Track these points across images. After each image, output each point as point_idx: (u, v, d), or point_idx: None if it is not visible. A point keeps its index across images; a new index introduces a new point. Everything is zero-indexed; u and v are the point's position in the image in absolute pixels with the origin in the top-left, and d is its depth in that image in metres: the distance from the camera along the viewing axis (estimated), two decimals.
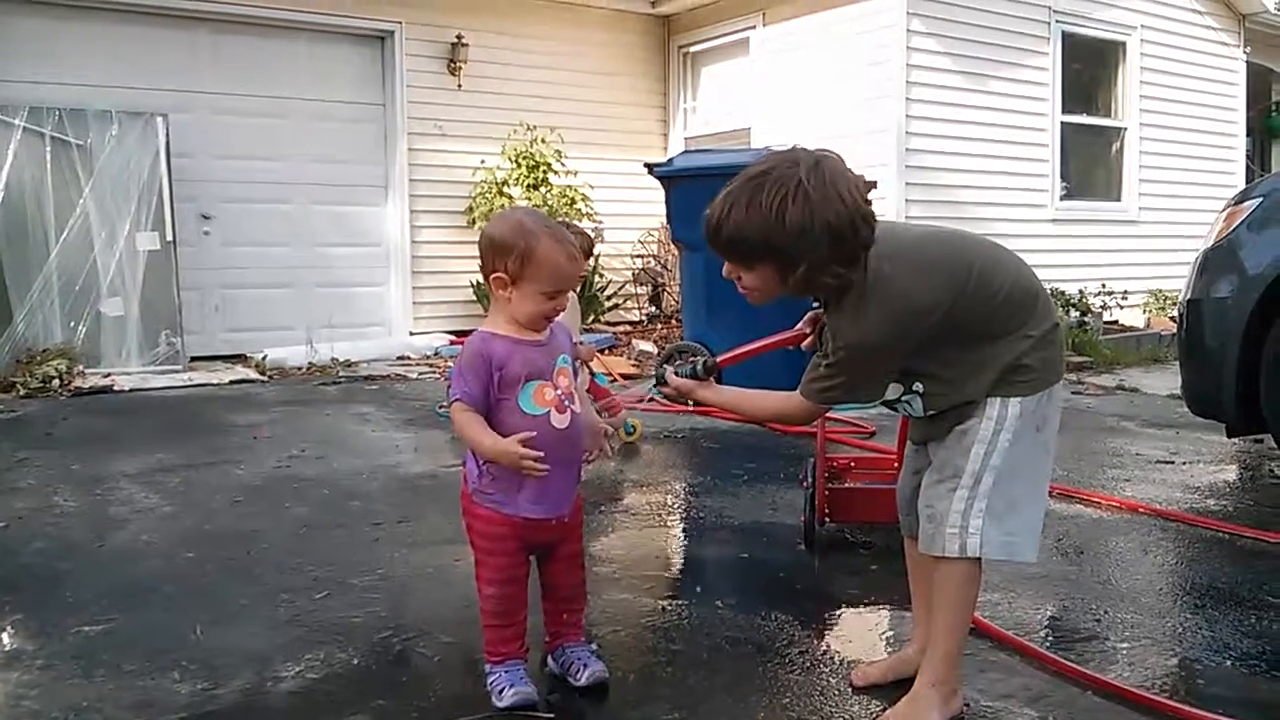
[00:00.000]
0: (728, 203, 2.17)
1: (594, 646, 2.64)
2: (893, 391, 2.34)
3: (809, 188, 2.09)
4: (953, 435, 2.29)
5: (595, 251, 9.97)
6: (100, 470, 4.99)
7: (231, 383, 8.06)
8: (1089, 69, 11.11)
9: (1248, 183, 7.02)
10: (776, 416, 2.48)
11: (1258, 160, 14.08)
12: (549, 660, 2.60)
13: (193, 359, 8.69)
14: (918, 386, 2.31)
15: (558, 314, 2.42)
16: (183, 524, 4.11)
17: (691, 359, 2.58)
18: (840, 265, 2.14)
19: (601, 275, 10.33)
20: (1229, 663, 2.71)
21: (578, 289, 5.11)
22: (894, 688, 2.48)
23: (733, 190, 2.18)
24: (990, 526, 2.24)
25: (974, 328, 2.23)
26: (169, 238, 8.45)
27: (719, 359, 2.58)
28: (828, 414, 2.75)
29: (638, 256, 10.87)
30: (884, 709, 2.38)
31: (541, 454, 2.27)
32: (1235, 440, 5.32)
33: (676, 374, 2.54)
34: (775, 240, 2.12)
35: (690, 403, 2.51)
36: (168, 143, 8.43)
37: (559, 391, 2.40)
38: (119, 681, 2.60)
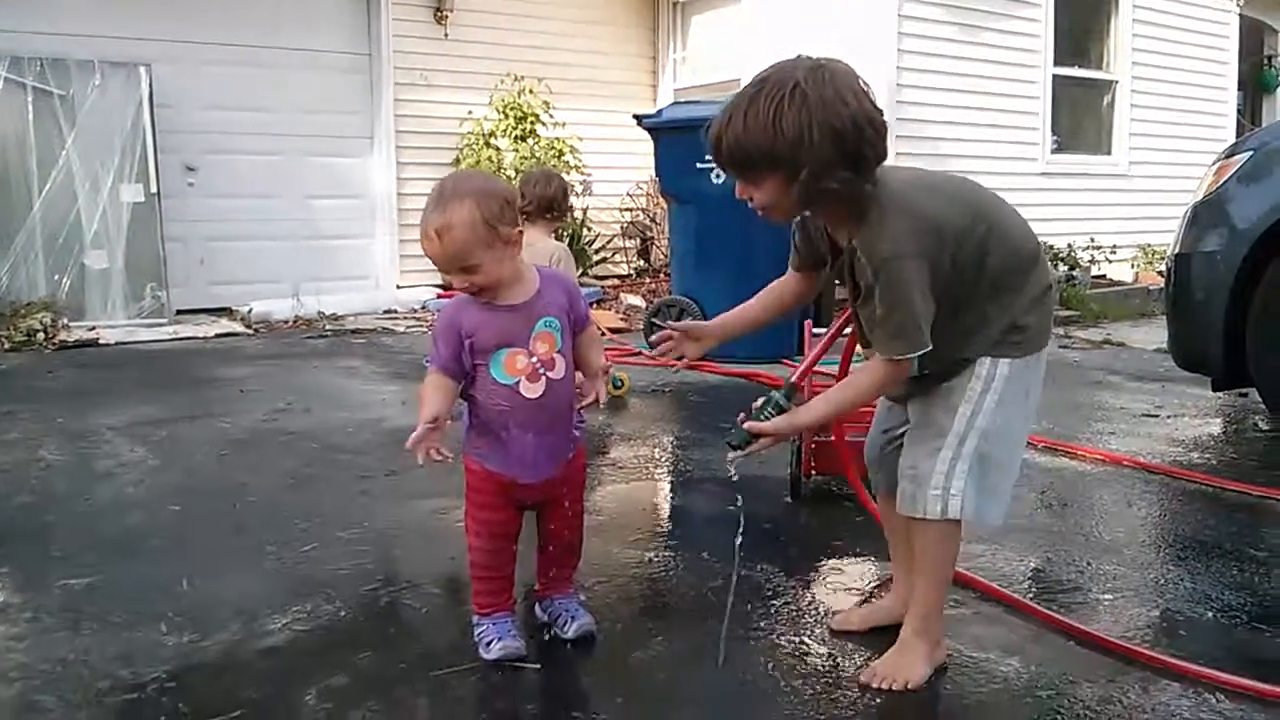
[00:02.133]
0: (726, 115, 2.11)
1: (581, 598, 2.65)
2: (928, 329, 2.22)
3: (806, 89, 2.02)
4: (939, 393, 2.26)
5: (584, 204, 10.02)
6: (86, 424, 4.97)
7: (217, 336, 8.03)
8: (1081, 21, 11.03)
9: (1238, 137, 7.00)
10: (877, 392, 2.30)
11: (1248, 115, 14.02)
12: (537, 608, 2.62)
13: (178, 312, 8.64)
14: None
15: (477, 289, 2.30)
16: (169, 477, 4.10)
17: (760, 403, 2.30)
18: (847, 169, 2.05)
19: (590, 228, 10.29)
20: (1210, 614, 2.74)
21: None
22: (876, 637, 2.50)
23: (732, 102, 2.12)
24: (970, 488, 2.23)
25: (983, 277, 2.19)
26: (153, 189, 8.37)
27: (793, 379, 2.43)
28: (813, 369, 2.71)
29: (626, 209, 10.81)
30: (869, 658, 2.40)
31: (424, 443, 2.26)
32: (1221, 394, 5.34)
33: (757, 419, 2.29)
34: (776, 148, 2.04)
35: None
36: (151, 93, 8.32)
37: (534, 359, 2.35)
38: (105, 634, 2.60)
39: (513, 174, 9.37)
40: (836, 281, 2.34)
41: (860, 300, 2.24)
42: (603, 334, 7.32)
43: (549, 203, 4.78)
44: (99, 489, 3.95)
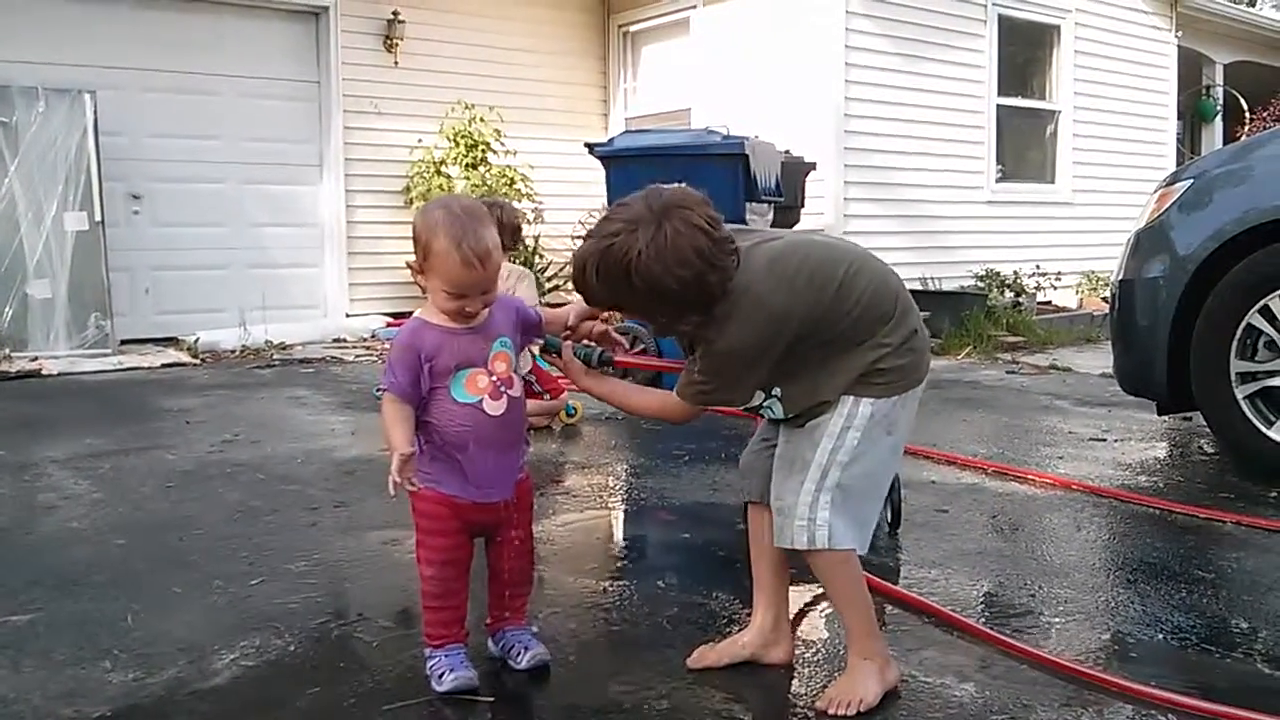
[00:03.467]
0: (581, 261, 2.23)
1: (535, 629, 2.62)
2: (756, 398, 2.38)
3: (649, 257, 2.13)
4: (805, 429, 2.34)
5: (535, 232, 10.01)
6: (28, 456, 4.87)
7: (163, 366, 7.91)
8: (1024, 52, 11.24)
9: (1178, 165, 7.15)
10: (656, 414, 2.55)
11: (1188, 143, 14.36)
12: (490, 643, 2.58)
13: (123, 342, 8.51)
14: (776, 391, 2.36)
15: (472, 315, 2.34)
16: (113, 510, 4.02)
17: (592, 345, 2.56)
18: (695, 313, 2.23)
19: (542, 256, 10.27)
20: (1160, 636, 2.76)
21: (512, 286, 5.09)
22: (833, 661, 2.49)
23: (586, 247, 2.23)
24: (835, 517, 2.29)
25: (831, 336, 2.28)
26: (98, 218, 8.25)
27: (617, 358, 2.59)
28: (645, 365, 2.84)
29: (578, 238, 10.78)
30: (825, 685, 2.40)
31: (410, 473, 2.25)
32: (1166, 418, 5.42)
33: (575, 354, 2.52)
34: (628, 303, 2.26)
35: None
36: (96, 120, 8.22)
37: (494, 378, 2.37)
38: (48, 671, 2.54)
39: None
40: None
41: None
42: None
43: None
44: (41, 523, 3.86)
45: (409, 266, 2.37)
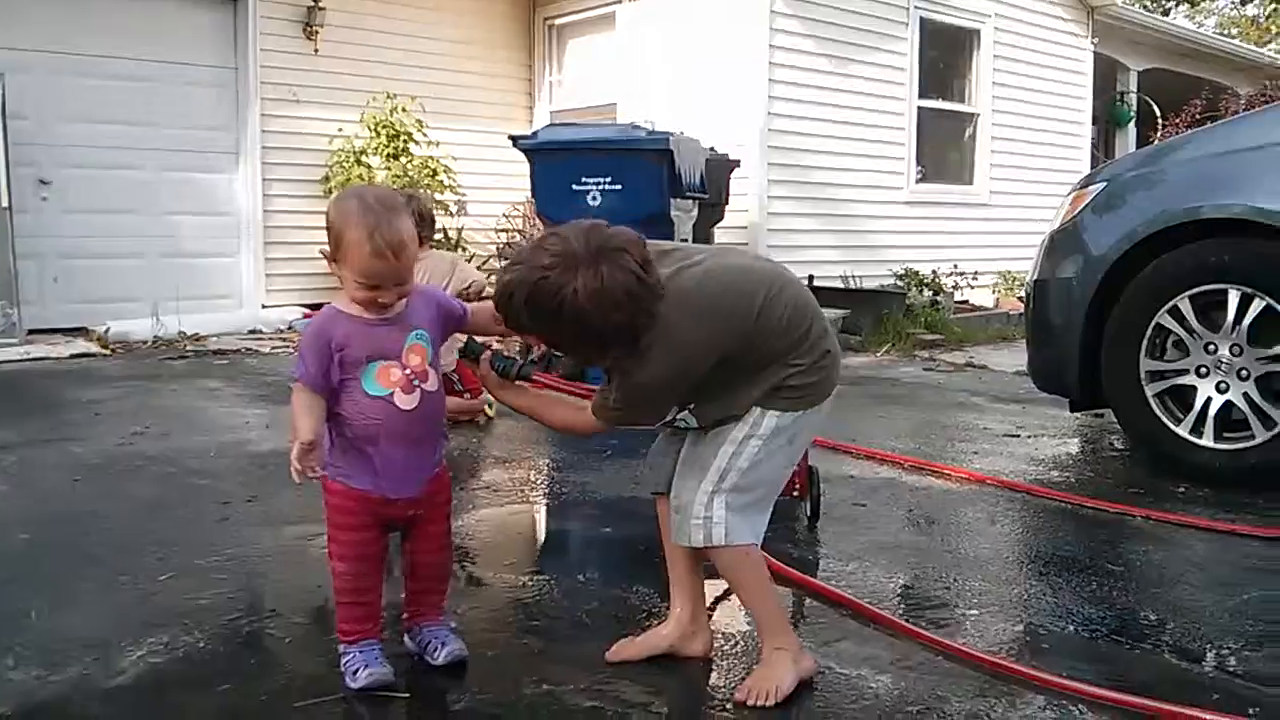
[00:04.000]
0: (509, 288, 2.21)
1: (452, 625, 2.59)
2: (670, 414, 2.44)
3: (582, 299, 2.13)
4: (709, 434, 2.39)
5: (459, 225, 9.93)
6: None
7: (72, 356, 7.68)
8: (945, 56, 11.41)
9: (1093, 168, 7.30)
10: (566, 428, 2.57)
11: (1102, 147, 14.68)
12: (406, 639, 2.54)
13: (30, 331, 8.24)
14: (690, 407, 2.41)
15: (386, 306, 2.30)
16: (18, 504, 3.90)
17: (513, 357, 2.52)
18: (619, 350, 2.24)
19: (465, 249, 10.19)
20: (1072, 627, 2.81)
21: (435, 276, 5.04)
22: (743, 662, 2.50)
23: (517, 274, 2.19)
24: (730, 515, 2.34)
25: (748, 361, 2.31)
26: (4, 203, 7.98)
27: (536, 376, 2.57)
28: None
29: (502, 230, 10.74)
30: (744, 677, 2.40)
31: (310, 462, 2.21)
32: (1078, 415, 5.53)
33: (492, 364, 2.48)
34: (550, 336, 2.28)
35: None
36: (3, 103, 7.95)
37: (407, 371, 2.33)
38: None
39: None
40: None
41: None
42: None
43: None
44: None
45: (322, 254, 2.33)
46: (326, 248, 2.30)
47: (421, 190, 5.12)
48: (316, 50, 9.78)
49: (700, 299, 2.27)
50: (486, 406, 5.43)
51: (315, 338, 2.30)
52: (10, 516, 3.73)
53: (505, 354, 2.51)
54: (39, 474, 4.33)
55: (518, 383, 2.51)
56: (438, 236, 5.71)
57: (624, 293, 2.14)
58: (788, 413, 2.35)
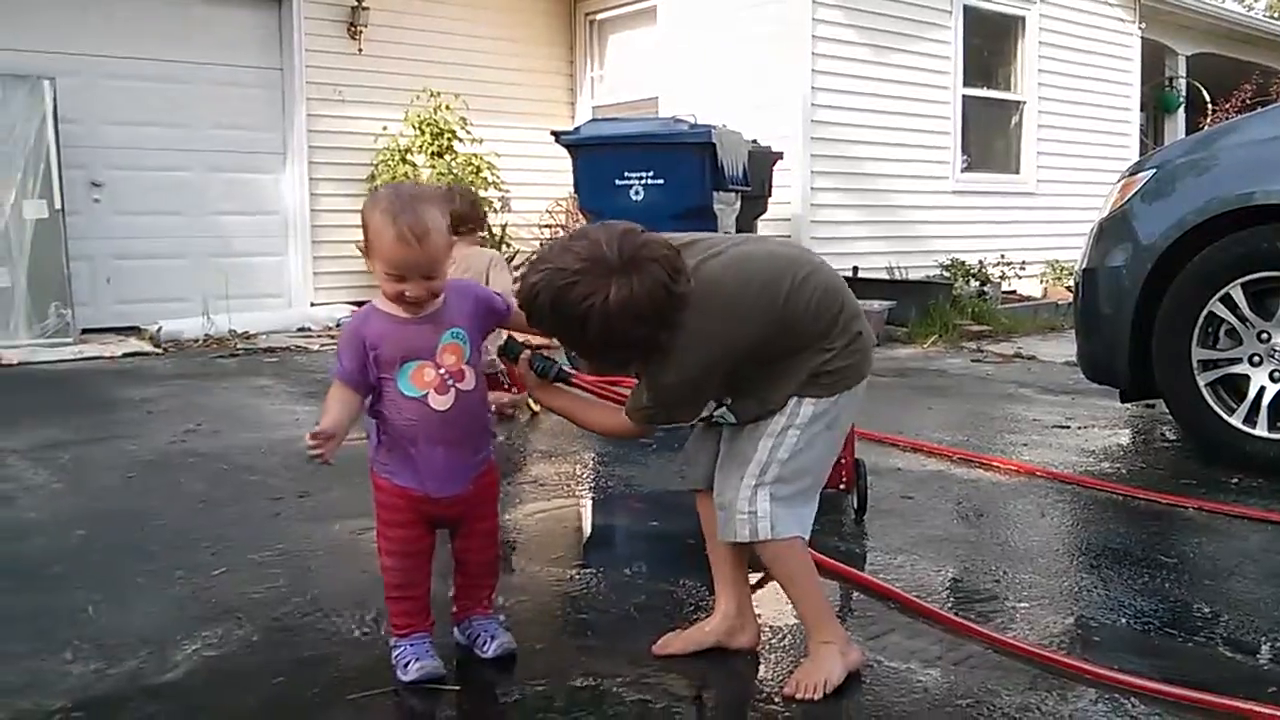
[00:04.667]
0: (535, 289, 2.17)
1: (501, 618, 2.61)
2: (706, 410, 2.41)
3: (610, 311, 2.10)
4: (747, 427, 2.36)
5: (502, 221, 9.97)
6: None
7: (124, 356, 7.81)
8: (989, 43, 11.30)
9: (1141, 156, 7.21)
10: (604, 431, 2.55)
11: (1151, 134, 14.48)
12: (455, 632, 2.56)
13: (84, 331, 8.40)
14: (727, 401, 2.38)
15: (415, 302, 2.27)
16: (73, 501, 3.97)
17: (551, 358, 2.48)
18: (641, 359, 2.27)
19: (509, 245, 10.23)
20: (1124, 620, 2.78)
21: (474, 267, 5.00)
22: (797, 648, 2.50)
23: (543, 277, 2.16)
24: (776, 508, 2.31)
25: (778, 350, 2.29)
26: (57, 206, 8.13)
27: (574, 377, 2.56)
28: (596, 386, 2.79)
29: (545, 226, 10.78)
30: (792, 670, 2.40)
31: (318, 450, 2.22)
32: (1129, 405, 5.46)
33: (531, 364, 2.46)
34: (572, 342, 2.28)
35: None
36: (55, 107, 8.09)
37: (442, 371, 2.31)
38: (6, 663, 2.50)
39: None
40: None
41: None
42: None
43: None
44: None
45: (357, 248, 2.34)
46: (362, 247, 2.31)
47: (465, 185, 5.08)
48: (360, 50, 9.87)
49: (725, 290, 2.25)
50: (531, 403, 5.44)
51: (351, 336, 2.31)
52: (66, 513, 3.80)
53: (545, 354, 2.50)
54: (94, 471, 4.41)
55: (556, 384, 2.50)
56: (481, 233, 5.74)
57: (651, 307, 2.12)
58: (824, 399, 2.32)
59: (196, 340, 8.47)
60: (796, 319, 2.28)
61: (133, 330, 8.70)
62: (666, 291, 2.14)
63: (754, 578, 2.88)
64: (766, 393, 2.33)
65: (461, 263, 4.82)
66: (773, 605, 2.89)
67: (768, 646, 2.60)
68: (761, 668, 2.50)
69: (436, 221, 2.23)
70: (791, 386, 2.31)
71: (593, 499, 4.18)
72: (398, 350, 2.29)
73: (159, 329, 8.43)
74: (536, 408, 5.42)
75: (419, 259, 2.22)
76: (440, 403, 2.31)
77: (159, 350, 8.11)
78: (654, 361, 2.25)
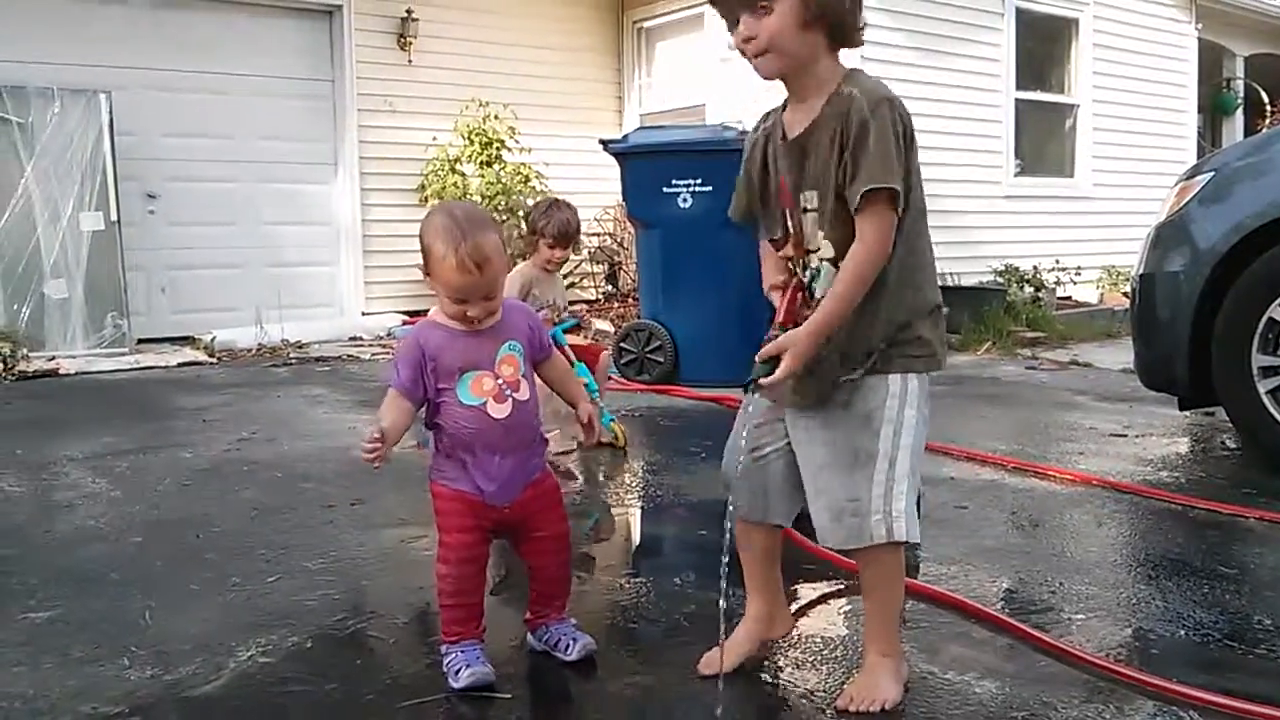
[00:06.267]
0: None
1: (575, 622, 2.61)
2: (822, 249, 2.22)
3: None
4: (852, 420, 2.23)
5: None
6: (45, 455, 4.89)
7: (179, 365, 7.94)
8: (1042, 46, 11.18)
9: (1199, 159, 7.09)
10: (873, 264, 2.14)
11: (1209, 137, 14.24)
12: (531, 639, 2.60)
13: (139, 341, 8.55)
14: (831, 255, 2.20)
15: (474, 320, 2.34)
16: (130, 509, 4.03)
17: (759, 363, 2.14)
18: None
19: None
20: (1183, 632, 2.73)
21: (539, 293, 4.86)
22: (844, 659, 2.47)
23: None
24: (909, 506, 2.24)
25: (904, 240, 2.18)
26: (113, 217, 8.28)
27: (780, 321, 2.23)
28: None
29: (593, 234, 10.81)
30: (844, 681, 2.37)
31: (373, 456, 2.24)
32: (1187, 413, 5.37)
33: (758, 372, 2.13)
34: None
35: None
36: (112, 120, 8.25)
37: (500, 381, 2.38)
38: (66, 668, 2.54)
39: (479, 199, 9.36)
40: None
41: (807, 183, 2.24)
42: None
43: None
44: (59, 521, 3.87)
45: (420, 270, 2.40)
46: (421, 262, 2.36)
47: (559, 198, 4.95)
48: (410, 60, 9.96)
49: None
50: (620, 433, 5.02)
51: (410, 347, 2.37)
52: (123, 521, 3.85)
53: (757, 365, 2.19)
54: (150, 479, 4.47)
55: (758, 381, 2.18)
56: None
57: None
58: (923, 374, 2.24)
59: (250, 350, 8.58)
60: (921, 237, 2.23)
61: (187, 340, 8.83)
62: None
63: (816, 590, 2.86)
64: (868, 317, 2.17)
65: (546, 288, 4.81)
66: (822, 616, 2.87)
67: (819, 658, 2.58)
68: (812, 678, 2.48)
69: (495, 246, 2.30)
70: (888, 329, 2.18)
71: (641, 507, 4.17)
72: (458, 360, 2.35)
73: (213, 338, 8.55)
74: (622, 441, 5.02)
75: (479, 284, 2.29)
76: (499, 411, 2.37)
77: (213, 360, 8.22)
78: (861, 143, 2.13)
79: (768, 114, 2.44)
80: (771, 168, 2.35)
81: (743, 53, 2.27)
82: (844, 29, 2.23)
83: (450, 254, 2.26)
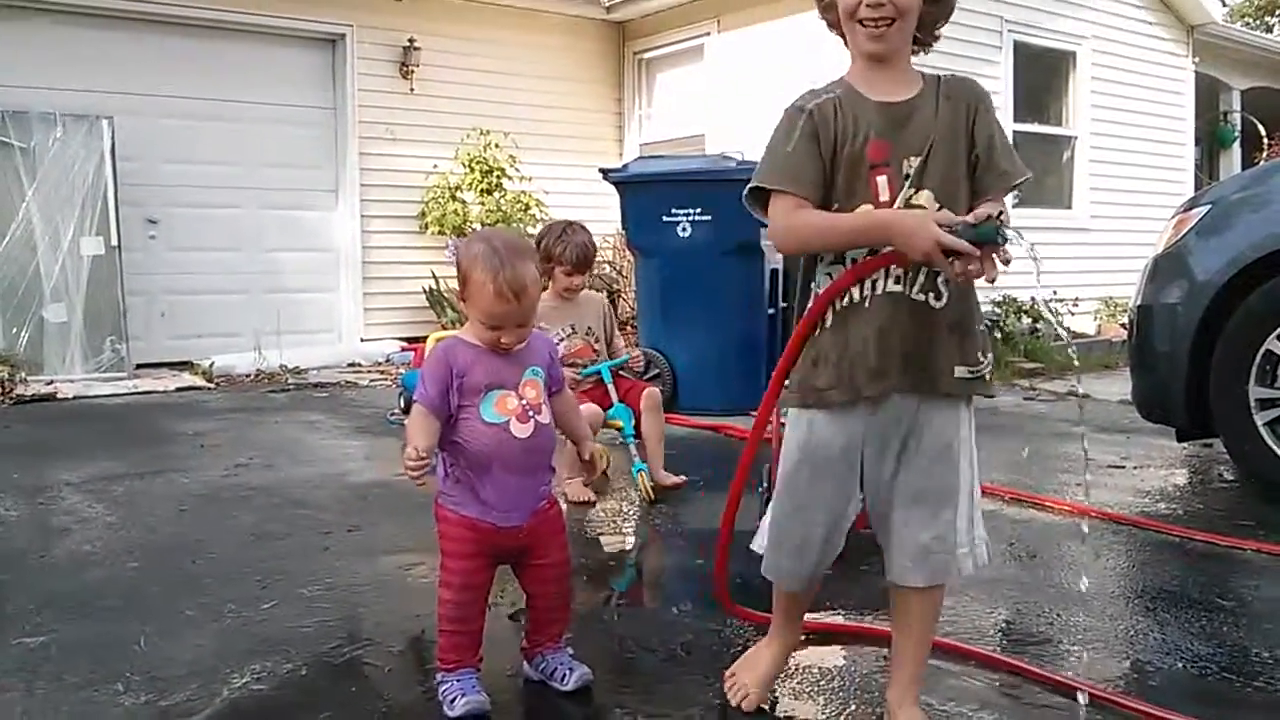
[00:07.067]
0: None
1: (571, 651, 2.60)
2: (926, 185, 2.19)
3: None
4: (933, 458, 2.20)
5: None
6: (42, 479, 4.88)
7: (178, 390, 7.93)
8: (1040, 79, 11.23)
9: (1196, 191, 7.12)
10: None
11: (1206, 169, 14.30)
12: (527, 668, 2.59)
13: (138, 366, 8.54)
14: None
15: (508, 347, 2.39)
16: (127, 534, 4.02)
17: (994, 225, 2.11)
18: None
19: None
20: (1180, 664, 2.72)
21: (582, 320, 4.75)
22: (846, 690, 2.46)
23: None
24: (985, 532, 2.24)
25: None
26: (114, 242, 8.31)
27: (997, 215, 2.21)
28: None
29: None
30: (839, 715, 2.36)
31: (419, 472, 2.27)
32: (1185, 445, 5.37)
33: (986, 233, 2.15)
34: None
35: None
36: (113, 146, 8.29)
37: (524, 402, 2.40)
38: (60, 694, 2.53)
39: (478, 226, 9.39)
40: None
41: (909, 149, 2.21)
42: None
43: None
44: (55, 545, 3.86)
45: (456, 295, 2.43)
46: (431, 284, 2.39)
47: (576, 222, 4.89)
48: (412, 89, 10.01)
49: None
50: (647, 489, 4.65)
51: (438, 363, 2.38)
52: (120, 545, 3.84)
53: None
54: (147, 504, 4.46)
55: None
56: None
57: None
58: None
59: (248, 375, 8.58)
60: None
61: (186, 365, 8.83)
62: None
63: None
64: (969, 307, 2.30)
65: (583, 309, 4.78)
66: (836, 654, 2.86)
67: (815, 689, 2.57)
68: (809, 708, 2.47)
69: (532, 276, 2.35)
70: (978, 331, 2.28)
71: (638, 536, 4.16)
72: (485, 378, 2.37)
73: (211, 364, 8.56)
74: (652, 497, 4.66)
75: (516, 312, 2.34)
76: (521, 431, 2.39)
77: (211, 385, 8.22)
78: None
79: (815, 91, 2.41)
80: (851, 130, 2.27)
81: (861, 23, 2.28)
82: (936, 25, 2.35)
83: (489, 281, 2.30)
